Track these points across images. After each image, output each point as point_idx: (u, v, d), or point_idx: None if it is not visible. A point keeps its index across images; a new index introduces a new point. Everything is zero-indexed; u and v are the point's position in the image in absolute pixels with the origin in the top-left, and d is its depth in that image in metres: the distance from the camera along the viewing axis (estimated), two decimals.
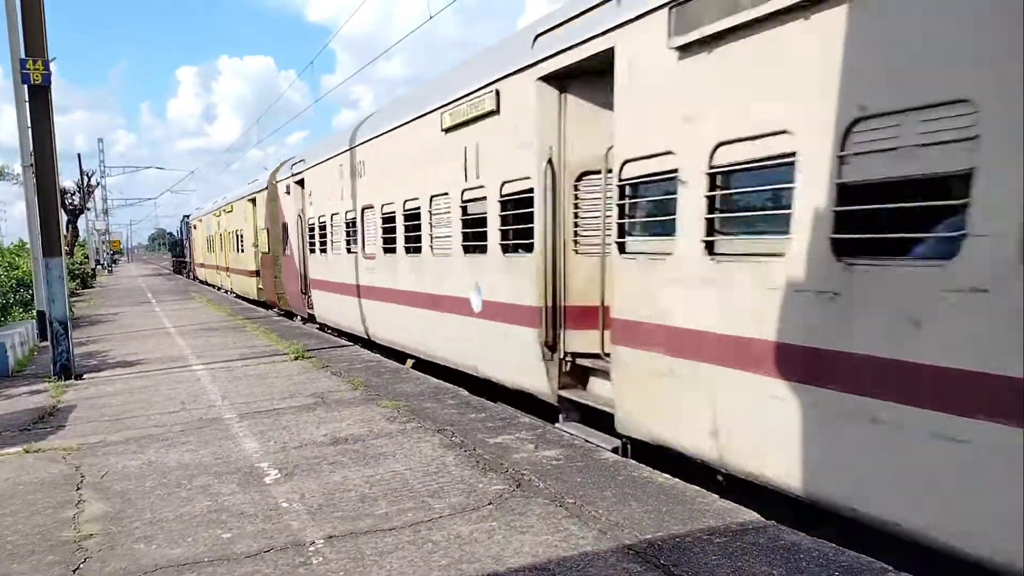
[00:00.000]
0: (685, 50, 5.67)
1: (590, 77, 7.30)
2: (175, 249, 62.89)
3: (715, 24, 5.30)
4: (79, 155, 54.27)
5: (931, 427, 4.05)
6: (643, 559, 4.16)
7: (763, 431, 5.15)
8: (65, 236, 19.93)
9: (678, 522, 4.69)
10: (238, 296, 29.16)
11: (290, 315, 20.63)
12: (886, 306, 4.26)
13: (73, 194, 51.18)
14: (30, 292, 18.58)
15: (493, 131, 8.74)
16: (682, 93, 5.77)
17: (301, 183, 17.92)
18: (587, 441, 6.86)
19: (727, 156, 5.38)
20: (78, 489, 5.79)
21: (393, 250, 12.18)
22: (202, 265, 41.28)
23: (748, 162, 5.20)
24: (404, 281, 11.82)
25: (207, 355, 12.74)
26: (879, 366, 4.32)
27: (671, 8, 5.75)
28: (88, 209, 56.28)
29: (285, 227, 20.00)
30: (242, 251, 27.42)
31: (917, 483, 4.15)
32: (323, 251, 16.49)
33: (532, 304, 7.97)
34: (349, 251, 14.54)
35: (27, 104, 11.42)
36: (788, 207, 4.86)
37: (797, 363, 4.87)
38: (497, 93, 8.51)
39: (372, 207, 13.04)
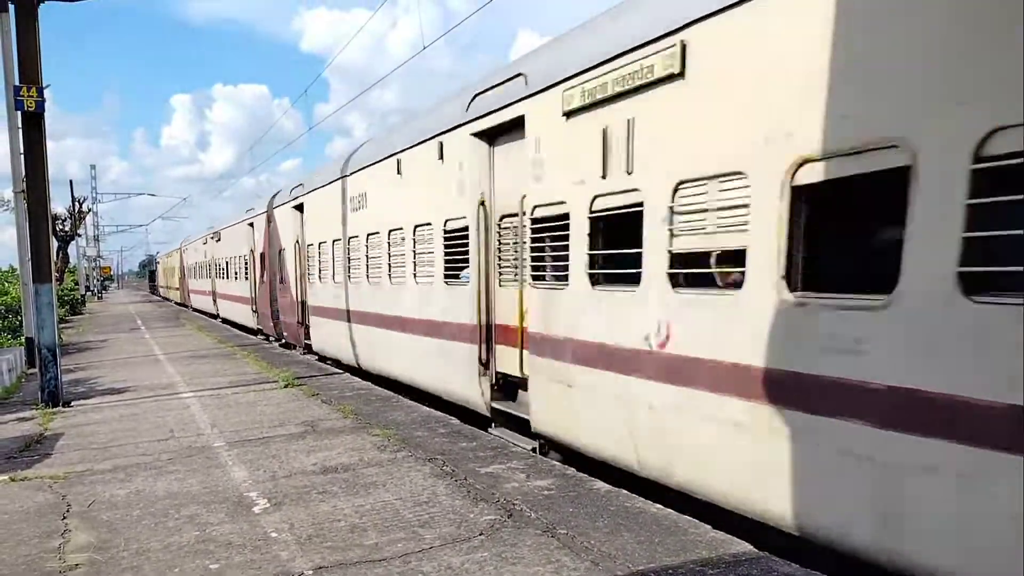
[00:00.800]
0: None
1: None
2: (150, 276, 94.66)
3: None
4: (71, 181, 54.81)
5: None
6: None
7: None
8: (55, 262, 20.14)
9: (671, 553, 4.66)
10: (175, 303, 51.12)
11: (188, 307, 42.47)
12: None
13: (64, 220, 51.12)
14: (19, 318, 18.45)
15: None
16: None
17: (186, 249, 43.88)
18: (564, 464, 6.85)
19: None
20: (64, 518, 5.72)
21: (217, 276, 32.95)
22: (162, 286, 68.13)
23: None
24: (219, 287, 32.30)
25: (196, 382, 12.66)
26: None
27: None
28: (79, 235, 56.16)
29: (184, 267, 45.31)
30: (174, 277, 54.09)
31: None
32: (193, 278, 39.71)
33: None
34: (197, 278, 38.38)
35: (20, 130, 11.44)
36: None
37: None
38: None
39: (211, 261, 33.56)
